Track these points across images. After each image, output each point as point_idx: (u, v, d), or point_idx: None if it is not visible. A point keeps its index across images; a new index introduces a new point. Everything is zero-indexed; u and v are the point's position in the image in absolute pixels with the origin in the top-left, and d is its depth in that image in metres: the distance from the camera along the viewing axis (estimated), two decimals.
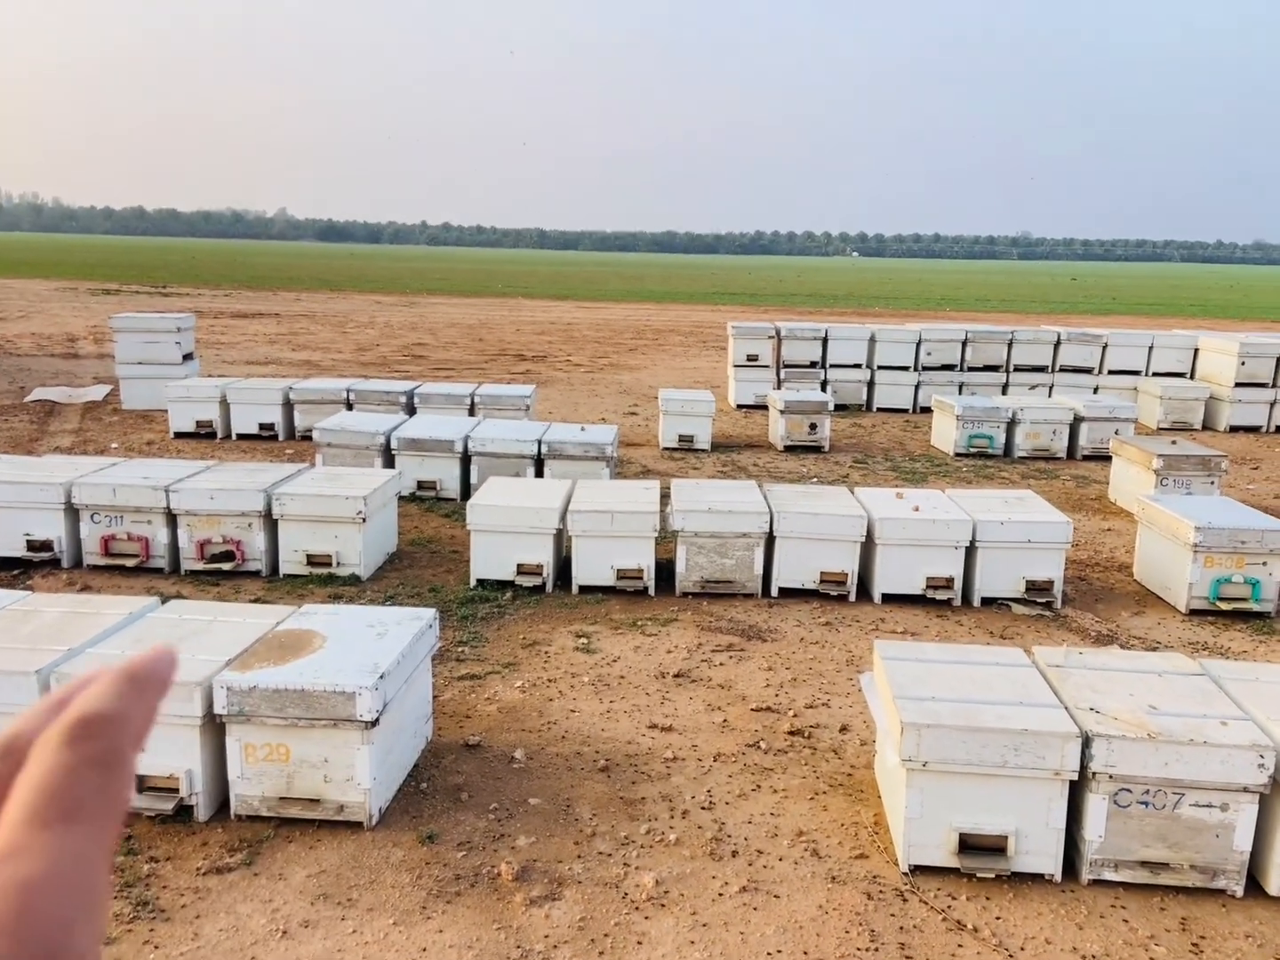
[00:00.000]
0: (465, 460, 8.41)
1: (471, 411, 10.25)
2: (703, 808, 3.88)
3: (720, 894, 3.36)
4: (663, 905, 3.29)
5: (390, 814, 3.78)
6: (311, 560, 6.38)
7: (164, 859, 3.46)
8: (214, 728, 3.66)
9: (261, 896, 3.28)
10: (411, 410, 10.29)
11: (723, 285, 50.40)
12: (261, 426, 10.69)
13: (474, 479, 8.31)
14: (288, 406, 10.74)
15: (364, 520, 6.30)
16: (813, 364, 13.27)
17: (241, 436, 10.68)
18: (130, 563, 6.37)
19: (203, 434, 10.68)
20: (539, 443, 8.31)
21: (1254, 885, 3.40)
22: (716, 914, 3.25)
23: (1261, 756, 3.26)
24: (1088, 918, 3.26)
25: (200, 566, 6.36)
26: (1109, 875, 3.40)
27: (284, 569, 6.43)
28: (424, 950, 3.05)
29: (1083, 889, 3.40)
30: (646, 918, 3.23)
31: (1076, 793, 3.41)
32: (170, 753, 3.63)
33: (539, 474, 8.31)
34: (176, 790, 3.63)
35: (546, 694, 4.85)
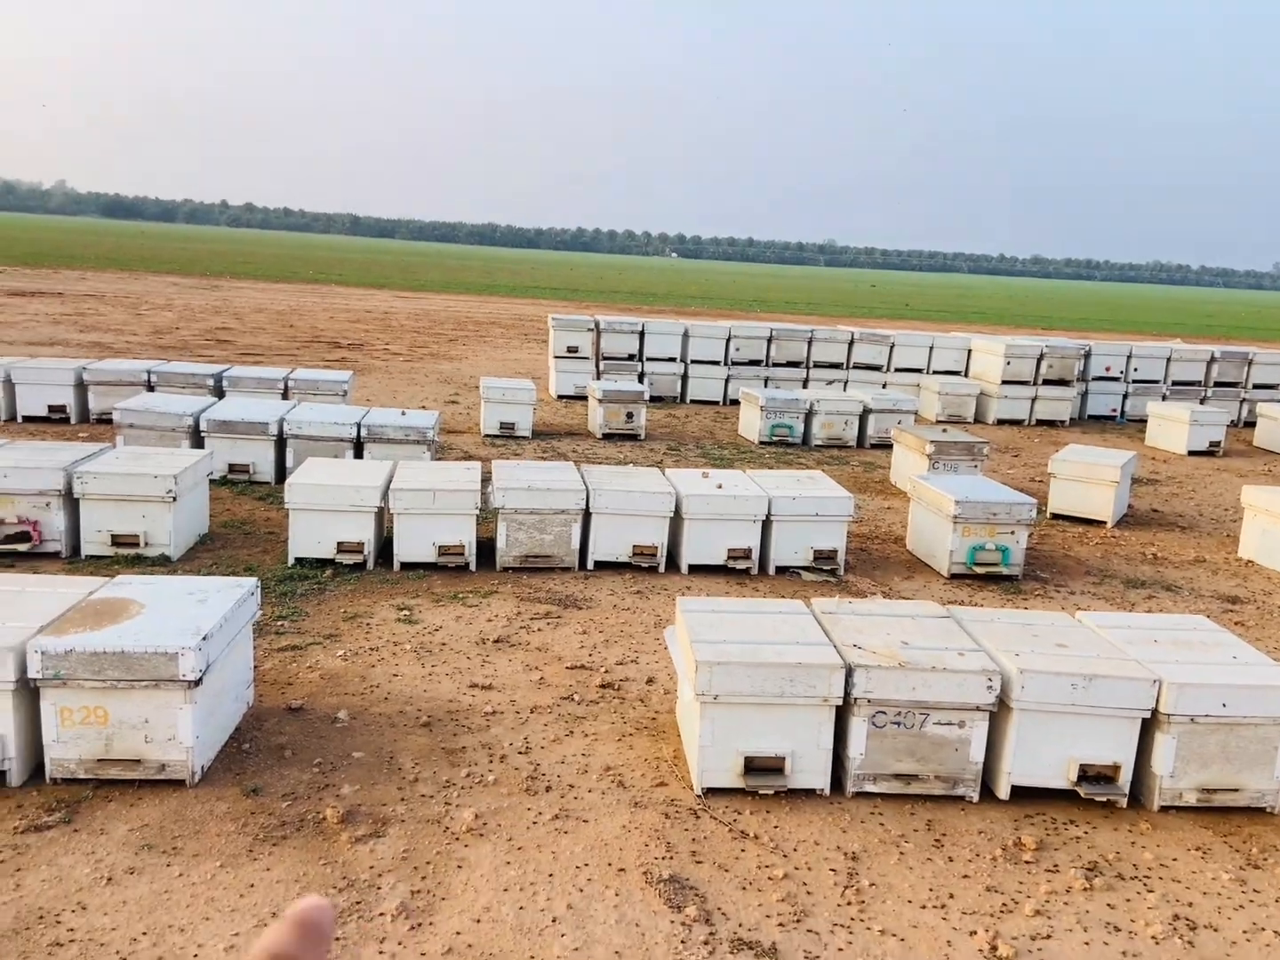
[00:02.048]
0: (280, 443, 8.34)
1: (285, 396, 10.09)
2: (520, 753, 4.20)
3: (534, 823, 3.68)
4: (481, 835, 3.58)
5: (213, 772, 3.88)
6: (117, 540, 6.23)
7: None
8: (27, 693, 3.65)
9: (83, 850, 3.34)
10: (220, 394, 10.02)
11: (544, 280, 50.62)
12: (51, 409, 10.12)
13: (289, 462, 8.25)
14: (81, 388, 10.21)
15: (174, 499, 6.21)
16: (630, 356, 13.79)
17: (28, 419, 10.08)
18: None
19: None
20: (358, 426, 8.35)
21: (987, 792, 4.04)
22: (530, 839, 3.58)
23: (990, 680, 3.90)
24: (850, 823, 3.81)
25: None
26: (869, 787, 3.96)
27: (86, 549, 6.24)
28: (251, 886, 3.22)
29: (848, 800, 3.95)
30: (466, 846, 3.52)
31: (841, 717, 3.95)
32: None
33: (358, 457, 8.35)
34: None
35: (368, 661, 5.02)
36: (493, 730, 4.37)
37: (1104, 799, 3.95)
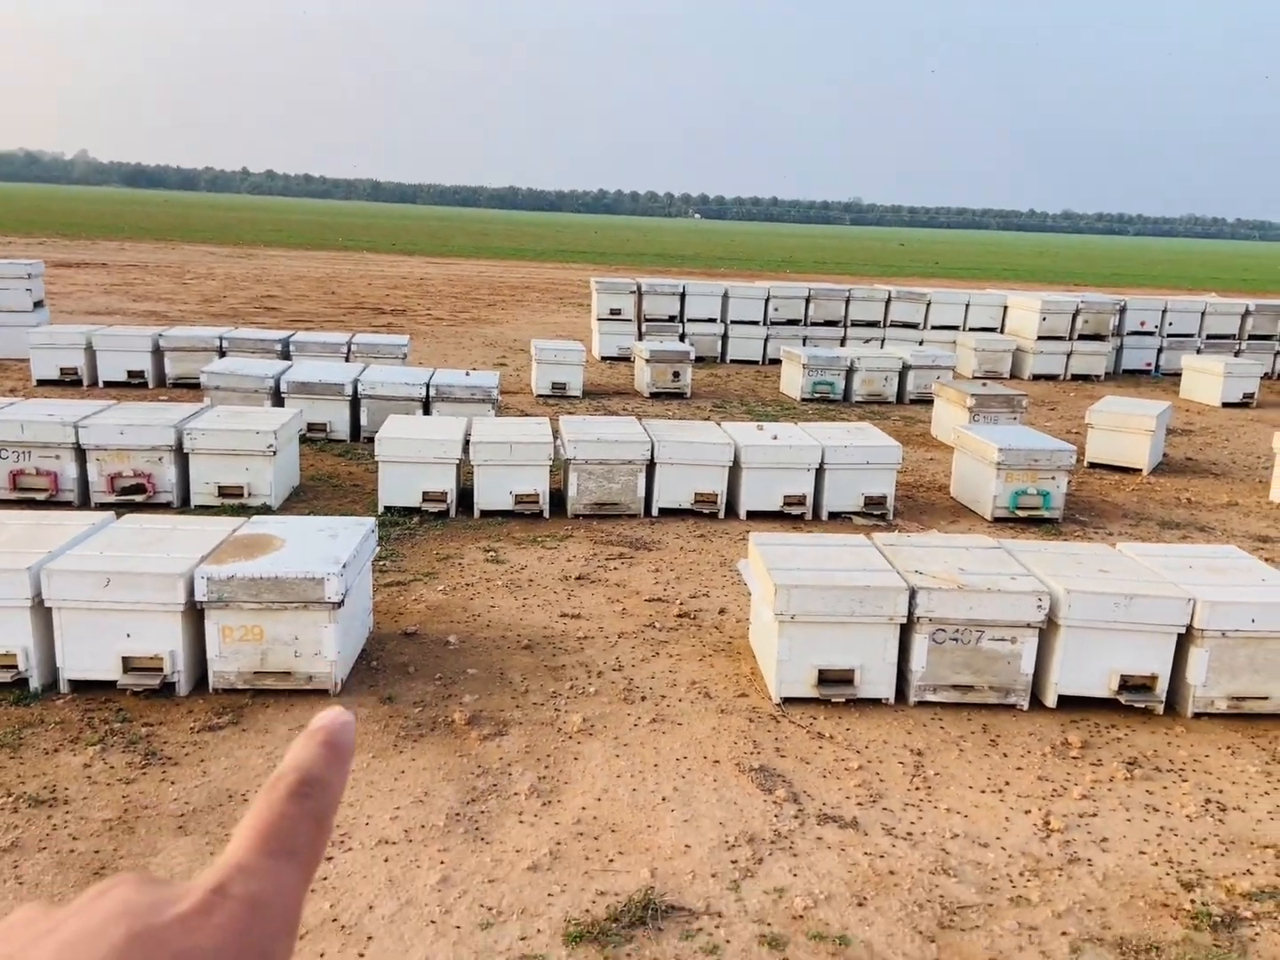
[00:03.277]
0: (354, 403, 8.85)
1: (348, 360, 10.59)
2: (614, 670, 4.70)
3: (635, 725, 4.19)
4: (590, 734, 4.10)
5: (350, 685, 4.41)
6: (223, 492, 6.77)
7: (157, 724, 4.00)
8: (194, 614, 4.18)
9: (254, 744, 3.89)
10: (287, 358, 10.53)
11: (570, 244, 50.75)
12: (130, 374, 10.68)
13: (364, 421, 8.77)
14: (157, 354, 10.76)
15: (274, 453, 6.74)
16: (671, 318, 14.18)
17: (109, 384, 10.65)
18: (40, 496, 6.59)
19: (67, 381, 10.58)
20: (427, 386, 8.84)
21: (1035, 701, 4.50)
22: (634, 738, 4.08)
23: (1040, 600, 4.35)
24: (914, 726, 4.28)
25: (112, 499, 6.64)
26: (930, 697, 4.44)
27: (195, 500, 6.79)
28: (403, 772, 3.75)
29: (910, 708, 4.43)
30: (579, 743, 4.03)
31: (904, 634, 4.42)
32: (154, 637, 4.14)
33: (426, 415, 8.84)
34: (161, 669, 4.15)
35: (467, 595, 5.54)
36: (587, 652, 4.88)
37: (1142, 706, 4.40)
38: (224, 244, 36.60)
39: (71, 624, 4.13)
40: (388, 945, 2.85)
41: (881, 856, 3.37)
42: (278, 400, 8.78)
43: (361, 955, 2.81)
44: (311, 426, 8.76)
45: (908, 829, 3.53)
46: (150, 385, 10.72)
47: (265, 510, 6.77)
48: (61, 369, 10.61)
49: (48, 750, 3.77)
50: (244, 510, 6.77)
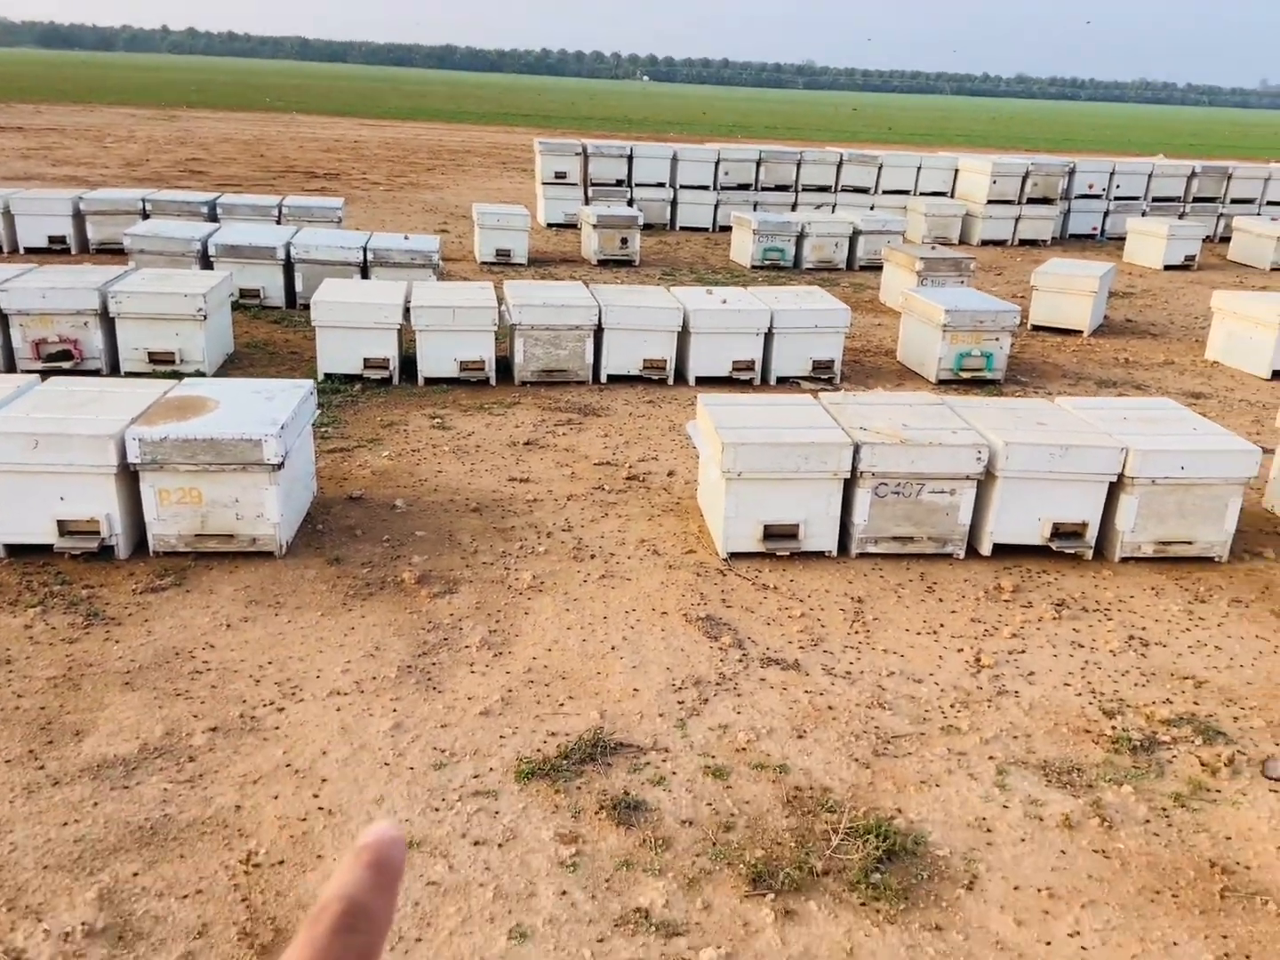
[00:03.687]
0: (288, 268, 8.52)
1: (279, 223, 10.15)
2: (563, 530, 4.73)
3: (585, 581, 4.24)
4: (540, 591, 4.15)
5: (295, 547, 4.39)
6: (154, 358, 6.55)
7: (98, 586, 3.95)
8: (128, 476, 4.09)
9: (199, 605, 3.87)
10: (214, 221, 10.06)
11: (513, 106, 48.63)
12: (51, 239, 10.15)
13: (299, 286, 8.47)
14: (79, 218, 10.21)
15: (205, 317, 6.50)
16: (619, 182, 13.75)
17: (30, 250, 10.12)
18: None
19: None
20: (364, 250, 8.53)
21: (972, 550, 4.63)
22: (583, 593, 4.14)
23: (979, 453, 4.42)
24: (855, 576, 4.40)
25: (38, 366, 6.39)
26: (871, 549, 4.55)
27: (125, 366, 6.57)
28: (353, 629, 3.78)
29: (852, 560, 4.54)
30: (529, 599, 4.08)
31: (848, 489, 4.49)
32: (89, 499, 4.05)
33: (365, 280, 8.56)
34: (98, 532, 4.08)
35: (413, 460, 5.49)
36: (536, 514, 4.89)
37: (1072, 552, 4.57)
38: (145, 106, 34.44)
39: (1, 487, 4.02)
40: (342, 787, 2.92)
41: (821, 694, 3.50)
42: (206, 265, 8.42)
43: (316, 797, 2.88)
44: (244, 293, 8.45)
45: (846, 669, 3.67)
46: (73, 251, 10.22)
47: (199, 378, 6.57)
48: None
49: None
50: (176, 378, 6.55)
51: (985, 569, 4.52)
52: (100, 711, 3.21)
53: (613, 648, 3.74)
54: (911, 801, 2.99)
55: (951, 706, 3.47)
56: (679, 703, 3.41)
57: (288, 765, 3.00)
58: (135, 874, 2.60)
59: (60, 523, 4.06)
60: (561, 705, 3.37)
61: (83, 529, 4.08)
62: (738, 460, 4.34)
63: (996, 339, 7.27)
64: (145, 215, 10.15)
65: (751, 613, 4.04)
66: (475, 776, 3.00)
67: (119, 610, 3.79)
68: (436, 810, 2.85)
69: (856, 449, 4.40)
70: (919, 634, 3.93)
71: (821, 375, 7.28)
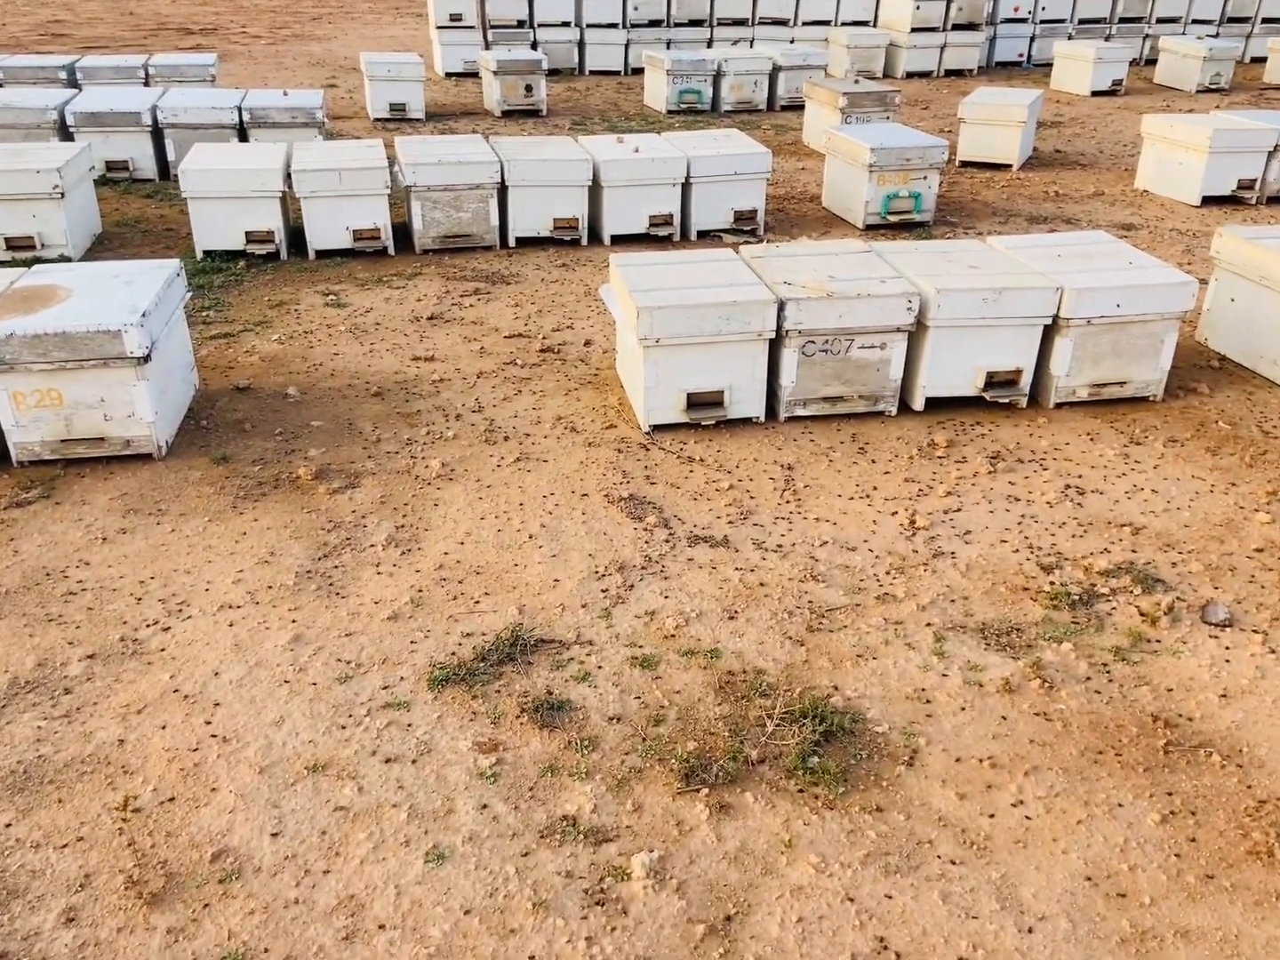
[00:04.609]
0: (157, 134, 7.71)
1: (147, 85, 9.18)
2: (473, 411, 4.40)
3: (498, 466, 3.96)
4: (450, 479, 3.85)
5: (177, 447, 4.01)
6: (11, 244, 5.88)
7: None
8: None
9: (70, 518, 3.51)
10: (75, 87, 9.05)
11: None
12: None
13: (171, 155, 7.69)
14: None
15: (62, 195, 5.82)
16: (520, 23, 12.71)
17: None
18: None
19: None
20: (239, 110, 7.73)
21: (904, 406, 4.44)
22: (497, 479, 3.86)
23: (910, 302, 4.16)
24: (785, 442, 4.18)
25: None
26: (800, 411, 4.32)
27: None
28: (244, 534, 3.46)
29: (781, 425, 4.31)
30: (438, 490, 3.79)
31: (773, 350, 4.21)
32: None
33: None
34: None
35: (306, 343, 5.05)
36: (443, 395, 4.54)
37: (1007, 400, 4.40)
38: None
39: None
40: (237, 710, 2.68)
41: (752, 570, 3.32)
42: (66, 136, 7.57)
43: (209, 723, 2.63)
44: (111, 165, 7.65)
45: (778, 542, 3.49)
46: None
47: (64, 263, 5.94)
48: None
49: None
50: (38, 263, 5.93)
51: (918, 425, 4.33)
52: None
53: (530, 536, 3.49)
54: (848, 678, 2.85)
55: (887, 574, 3.32)
56: (603, 591, 3.20)
57: (175, 691, 2.74)
58: (7, 825, 2.36)
59: None
60: (477, 603, 3.14)
61: None
62: (655, 326, 4.02)
63: (925, 178, 6.91)
64: None
65: (677, 488, 3.82)
66: (384, 688, 2.78)
67: None
68: (343, 728, 2.64)
69: (781, 306, 4.11)
70: (852, 499, 3.76)
71: (744, 227, 6.88)
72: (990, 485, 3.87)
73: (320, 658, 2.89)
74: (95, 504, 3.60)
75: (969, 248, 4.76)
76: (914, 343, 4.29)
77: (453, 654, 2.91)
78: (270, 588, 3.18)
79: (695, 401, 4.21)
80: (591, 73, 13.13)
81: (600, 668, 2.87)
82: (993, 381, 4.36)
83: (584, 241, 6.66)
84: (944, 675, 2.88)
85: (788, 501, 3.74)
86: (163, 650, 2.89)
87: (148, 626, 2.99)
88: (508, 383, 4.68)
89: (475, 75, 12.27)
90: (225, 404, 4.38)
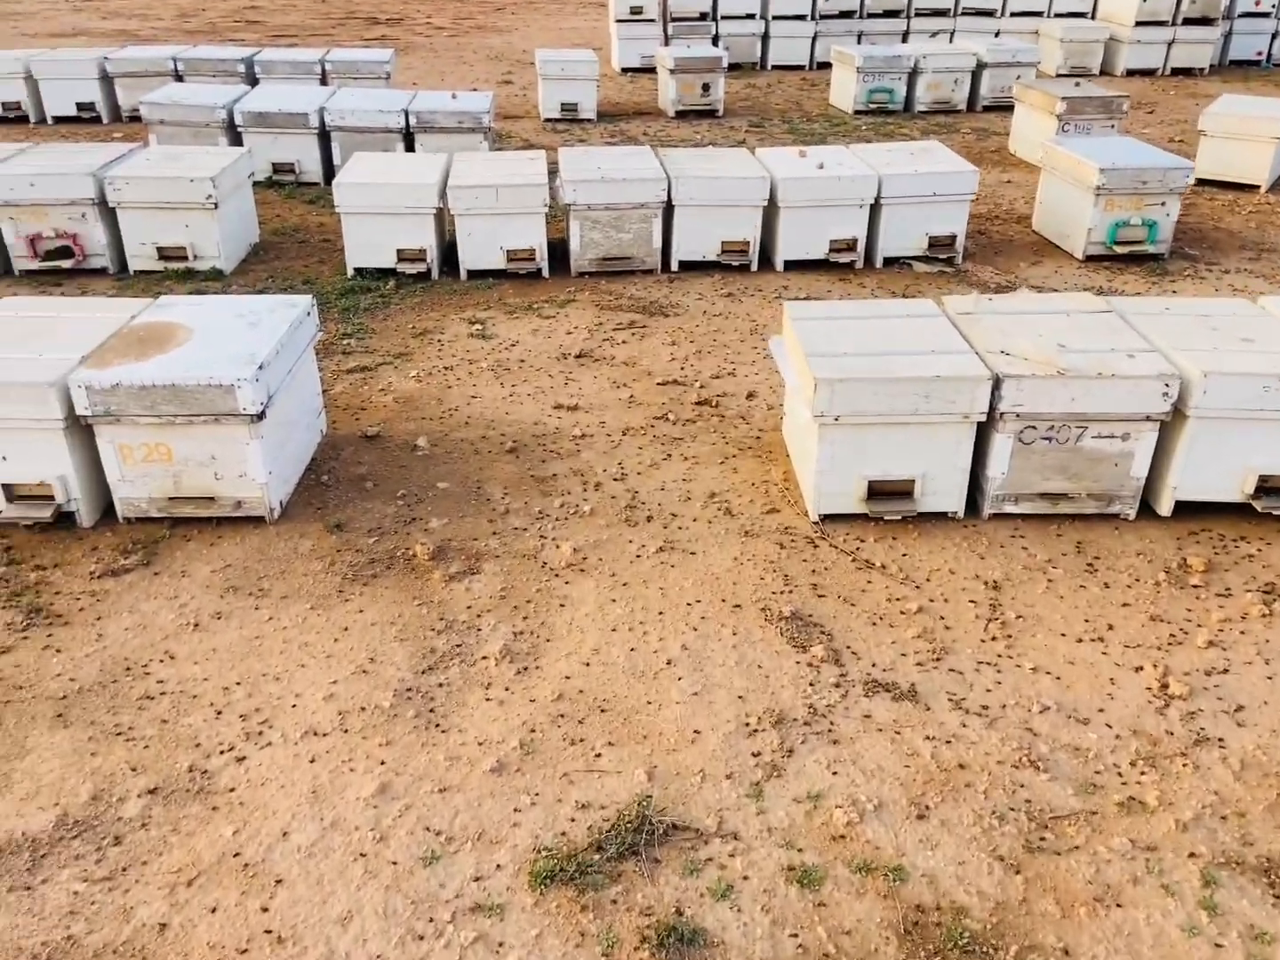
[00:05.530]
0: (324, 137, 7.52)
1: (324, 81, 9.08)
2: (615, 479, 3.84)
3: (638, 556, 3.38)
4: (582, 571, 3.30)
5: (292, 507, 3.62)
6: (164, 254, 5.74)
7: (51, 566, 3.27)
8: (81, 430, 3.34)
9: (165, 594, 3.15)
10: (253, 81, 9.05)
11: None
12: (80, 106, 9.31)
13: (336, 159, 7.49)
14: (107, 81, 9.32)
15: (216, 205, 5.62)
16: (702, 15, 12.07)
17: (59, 120, 9.32)
18: None
19: (12, 118, 9.28)
20: (405, 113, 7.45)
21: (1146, 509, 3.58)
22: (635, 574, 3.28)
23: (1167, 386, 3.31)
24: (989, 548, 3.42)
25: (35, 265, 5.66)
26: (1009, 508, 3.54)
27: (133, 265, 5.79)
28: (345, 630, 3.02)
29: (984, 523, 3.55)
30: (567, 583, 3.24)
31: (981, 433, 3.45)
32: (37, 459, 3.32)
33: (409, 150, 7.53)
34: (52, 497, 3.36)
35: (444, 381, 4.62)
36: (583, 455, 4.00)
37: None
38: None
39: None
40: (300, 894, 2.20)
41: (948, 742, 2.62)
42: (235, 136, 7.49)
43: (265, 910, 2.17)
44: (277, 168, 7.52)
45: (982, 700, 2.76)
46: (104, 120, 9.38)
47: (216, 276, 5.76)
48: (3, 103, 9.27)
49: None
50: (191, 276, 5.77)
51: (1163, 536, 3.47)
52: (19, 760, 2.54)
53: (669, 662, 2.90)
54: (1083, 936, 2.12)
55: (1132, 765, 2.55)
56: (754, 755, 2.57)
57: (236, 855, 2.29)
58: None
59: (6, 487, 3.36)
60: (598, 756, 2.57)
61: (33, 493, 3.37)
62: (835, 401, 3.34)
63: (1163, 204, 5.88)
64: (179, 77, 9.19)
65: (851, 606, 3.13)
66: (477, 879, 2.24)
67: (68, 603, 3.10)
68: (420, 939, 2.11)
69: (997, 383, 3.34)
70: (1080, 642, 2.97)
71: (939, 255, 6.05)
72: (1266, 636, 3.00)
73: (406, 822, 2.38)
74: (195, 576, 3.23)
75: (1238, 311, 3.83)
76: (1167, 434, 3.44)
77: (563, 833, 2.35)
78: (364, 709, 2.71)
79: (878, 490, 3.50)
80: (774, 67, 12.36)
81: (746, 878, 2.24)
82: (1266, 487, 3.45)
83: (753, 267, 5.99)
84: (1218, 946, 2.11)
85: (994, 638, 3.00)
86: (231, 791, 2.46)
87: (221, 753, 2.57)
88: (656, 443, 4.10)
89: (652, 71, 11.73)
90: (350, 454, 3.98)
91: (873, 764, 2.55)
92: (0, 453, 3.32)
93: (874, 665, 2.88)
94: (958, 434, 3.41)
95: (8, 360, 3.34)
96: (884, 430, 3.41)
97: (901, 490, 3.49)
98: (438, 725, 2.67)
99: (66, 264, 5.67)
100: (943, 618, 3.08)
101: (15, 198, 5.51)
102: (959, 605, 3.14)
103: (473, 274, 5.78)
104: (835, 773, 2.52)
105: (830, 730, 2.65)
